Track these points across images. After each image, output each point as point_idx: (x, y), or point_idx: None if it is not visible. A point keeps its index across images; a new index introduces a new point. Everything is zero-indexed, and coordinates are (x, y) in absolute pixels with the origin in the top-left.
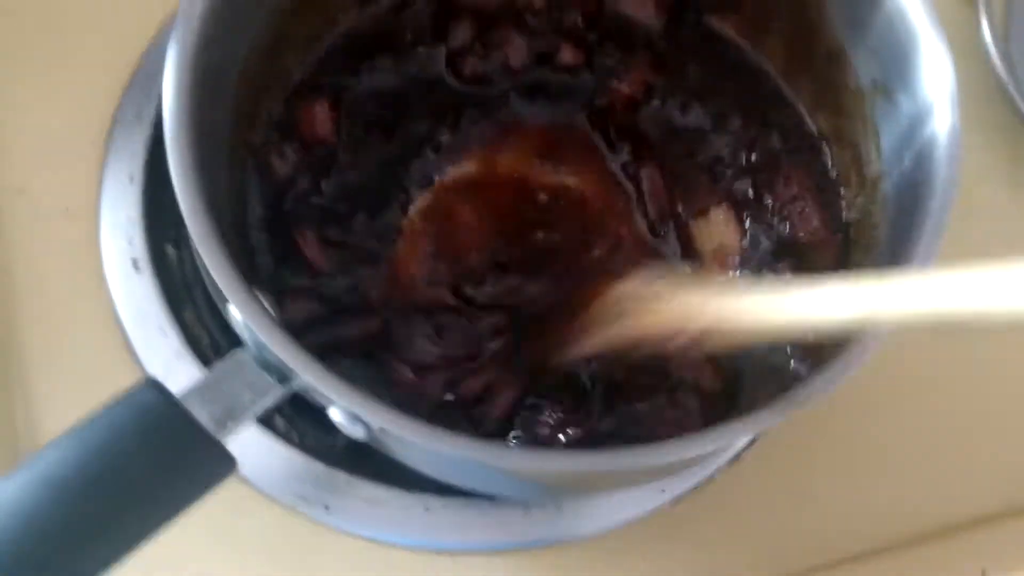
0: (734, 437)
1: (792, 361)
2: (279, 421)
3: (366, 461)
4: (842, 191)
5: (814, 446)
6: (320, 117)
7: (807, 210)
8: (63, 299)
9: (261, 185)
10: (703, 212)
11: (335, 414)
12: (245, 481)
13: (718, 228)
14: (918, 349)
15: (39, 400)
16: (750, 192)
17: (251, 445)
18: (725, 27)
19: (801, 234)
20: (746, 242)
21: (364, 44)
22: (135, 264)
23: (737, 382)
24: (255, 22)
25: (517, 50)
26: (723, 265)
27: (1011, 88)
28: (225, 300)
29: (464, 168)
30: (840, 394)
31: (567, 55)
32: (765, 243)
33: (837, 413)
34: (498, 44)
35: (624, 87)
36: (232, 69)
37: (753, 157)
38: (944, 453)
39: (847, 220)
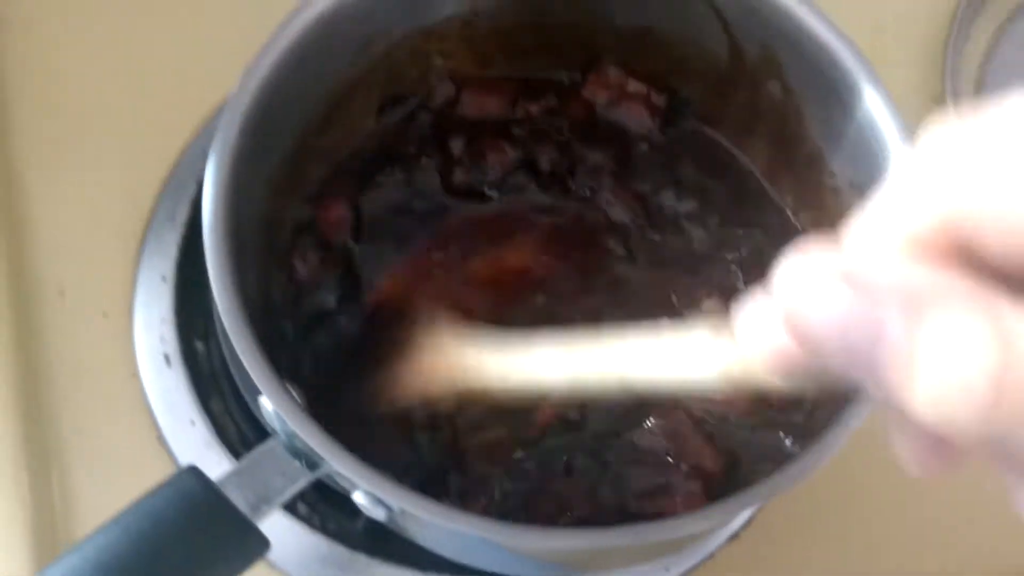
0: (741, 508)
1: (787, 441)
2: (302, 506)
3: (385, 544)
4: None
5: (811, 520)
6: (339, 215)
7: None
8: (98, 393)
9: (286, 285)
10: (695, 303)
11: (359, 497)
12: (271, 564)
13: (710, 318)
14: None
15: (75, 489)
16: (740, 284)
17: (276, 529)
18: (714, 131)
19: None
20: None
21: (377, 157)
22: (167, 359)
23: (736, 463)
24: (284, 135)
25: (501, 159)
26: None
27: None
28: (257, 392)
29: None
30: (833, 467)
31: (547, 161)
32: None
33: (831, 486)
34: (483, 154)
35: (612, 198)
36: (261, 178)
37: (742, 251)
38: (945, 521)
39: None
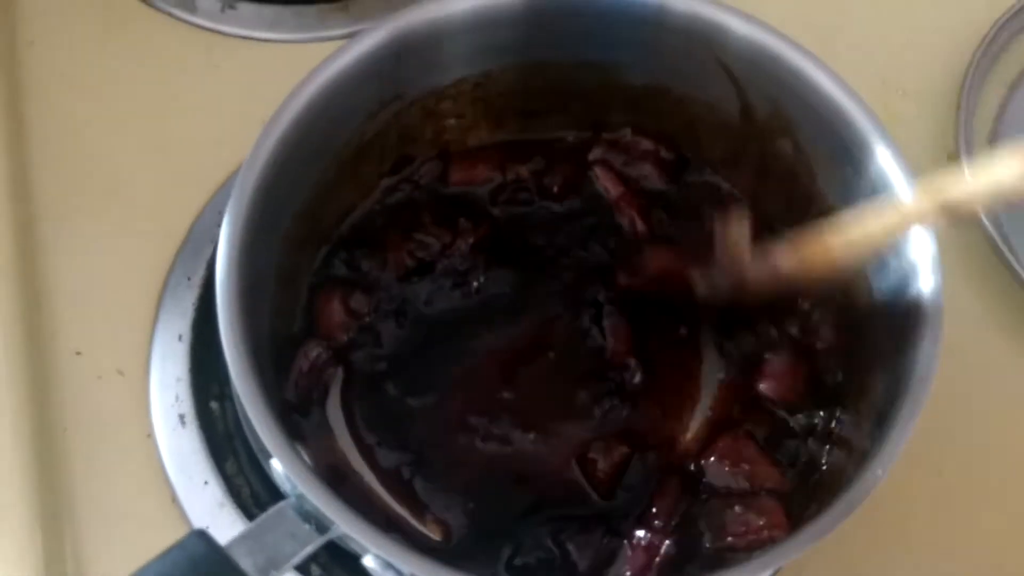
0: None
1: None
2: (315, 568)
3: None
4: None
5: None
6: (336, 311)
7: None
8: (113, 452)
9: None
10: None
11: (368, 561)
12: None
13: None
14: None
15: (88, 549)
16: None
17: None
18: (725, 183)
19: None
20: None
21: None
22: (181, 419)
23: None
24: (296, 198)
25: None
26: None
27: (997, 240)
28: (268, 455)
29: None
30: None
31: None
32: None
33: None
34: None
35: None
36: (276, 238)
37: None
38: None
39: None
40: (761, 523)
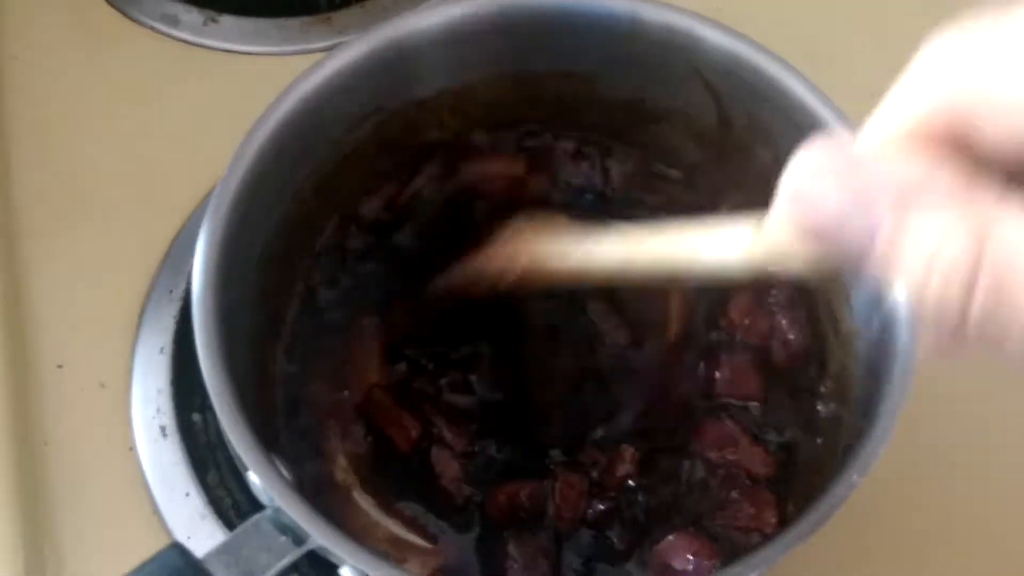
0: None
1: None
2: None
3: None
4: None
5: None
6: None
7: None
8: (94, 464)
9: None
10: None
11: (346, 572)
12: None
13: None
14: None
15: (68, 561)
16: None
17: None
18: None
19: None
20: None
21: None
22: (163, 431)
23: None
24: (274, 212)
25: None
26: None
27: None
28: (246, 467)
29: None
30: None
31: None
32: None
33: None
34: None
35: None
36: (253, 252)
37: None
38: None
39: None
40: (752, 512)
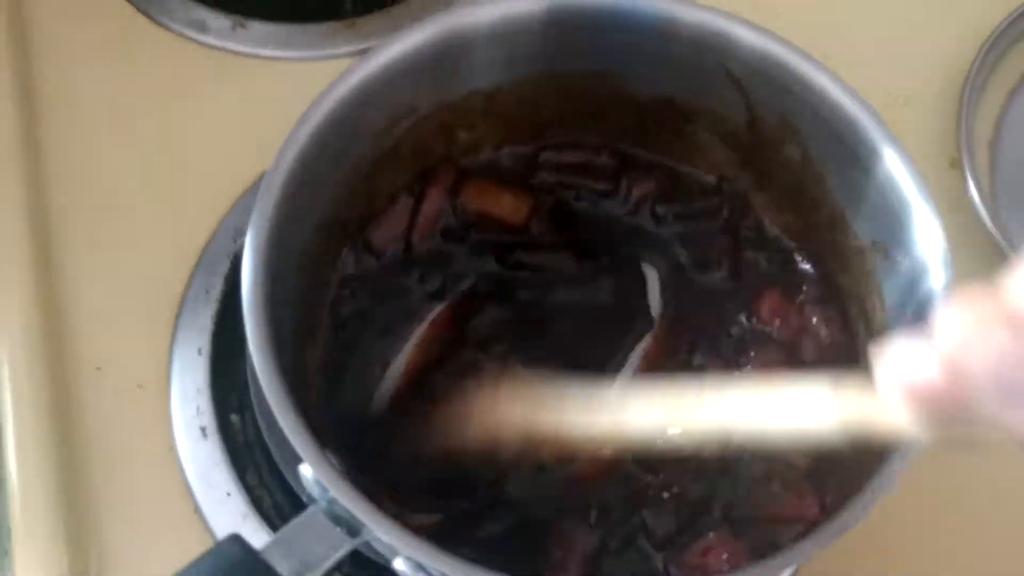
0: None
1: None
2: None
3: None
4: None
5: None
6: None
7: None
8: (135, 466)
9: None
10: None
11: (400, 564)
12: None
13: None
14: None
15: (112, 562)
16: None
17: None
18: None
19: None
20: None
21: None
22: (203, 431)
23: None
24: (316, 209)
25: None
26: None
27: (1001, 241)
28: (295, 461)
29: None
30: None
31: None
32: None
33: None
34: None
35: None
36: (296, 250)
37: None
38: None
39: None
40: (796, 503)
